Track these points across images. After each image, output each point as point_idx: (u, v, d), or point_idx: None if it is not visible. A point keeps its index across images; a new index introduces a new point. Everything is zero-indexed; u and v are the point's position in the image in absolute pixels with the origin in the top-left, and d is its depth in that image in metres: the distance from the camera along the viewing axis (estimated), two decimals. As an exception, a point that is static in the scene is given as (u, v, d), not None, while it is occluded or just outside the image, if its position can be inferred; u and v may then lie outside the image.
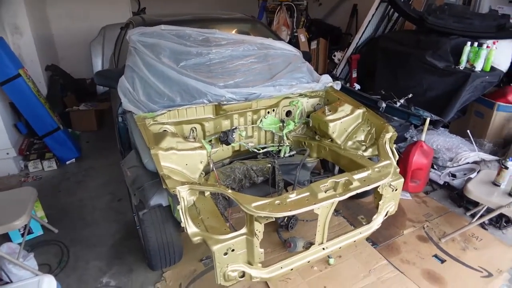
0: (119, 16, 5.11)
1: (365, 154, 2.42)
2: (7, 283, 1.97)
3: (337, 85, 3.02)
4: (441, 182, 3.22)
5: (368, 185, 1.77)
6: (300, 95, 2.77)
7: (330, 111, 2.58)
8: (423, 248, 2.45)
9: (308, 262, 1.89)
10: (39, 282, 1.47)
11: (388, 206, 2.14)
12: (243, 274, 1.73)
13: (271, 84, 2.68)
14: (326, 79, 2.93)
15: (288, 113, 2.80)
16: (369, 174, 1.86)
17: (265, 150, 2.70)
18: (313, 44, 5.67)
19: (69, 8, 5.45)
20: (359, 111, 2.54)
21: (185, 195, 1.68)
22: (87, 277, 2.23)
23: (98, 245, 2.45)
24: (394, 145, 3.45)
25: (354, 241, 2.04)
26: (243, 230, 1.66)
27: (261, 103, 2.61)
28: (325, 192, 1.70)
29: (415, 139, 3.18)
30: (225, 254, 1.63)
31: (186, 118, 2.42)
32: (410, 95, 3.41)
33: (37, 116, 3.39)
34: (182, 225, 1.66)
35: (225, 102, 2.45)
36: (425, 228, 2.64)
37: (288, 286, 2.09)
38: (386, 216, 2.18)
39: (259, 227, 1.61)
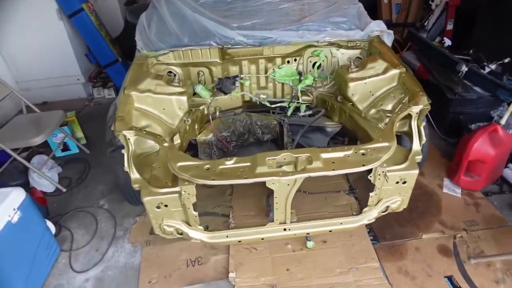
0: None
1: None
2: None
3: (388, 36, 2.34)
4: (517, 185, 2.32)
5: (334, 170, 1.35)
6: (332, 44, 2.25)
7: (357, 68, 2.03)
8: (439, 263, 1.85)
9: (262, 239, 1.67)
10: (8, 193, 1.70)
11: (389, 201, 1.66)
12: (179, 233, 1.64)
13: (295, 27, 2.23)
14: (374, 26, 2.29)
15: (319, 65, 2.34)
16: (346, 155, 1.42)
17: (278, 105, 2.37)
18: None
19: None
20: (394, 72, 1.92)
21: (132, 139, 1.61)
22: (91, 196, 2.53)
23: (111, 172, 2.71)
24: (473, 125, 2.66)
25: (330, 231, 1.69)
26: (178, 188, 1.52)
27: (277, 50, 2.22)
28: (272, 166, 1.38)
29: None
30: (158, 207, 1.55)
31: (191, 61, 2.26)
32: (507, 60, 2.42)
33: (99, 47, 3.72)
34: (125, 169, 1.62)
35: (230, 46, 2.17)
36: (456, 238, 1.97)
37: (249, 255, 1.91)
38: (386, 212, 1.71)
39: (188, 189, 1.44)
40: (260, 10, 2.35)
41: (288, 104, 2.32)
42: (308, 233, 1.69)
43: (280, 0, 2.39)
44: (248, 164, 1.40)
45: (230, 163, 1.41)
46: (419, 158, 1.65)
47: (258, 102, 2.36)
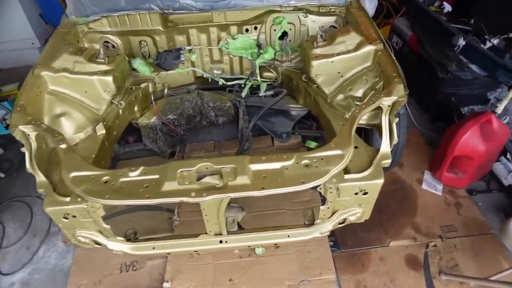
0: None
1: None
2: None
3: (370, 2, 1.92)
4: (506, 183, 2.02)
5: (263, 188, 1.05)
6: (300, 9, 1.84)
7: (324, 41, 1.65)
8: (404, 277, 1.61)
9: (196, 252, 1.42)
10: None
11: (347, 213, 1.38)
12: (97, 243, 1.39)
13: (255, -13, 1.81)
14: (353, -12, 1.85)
15: (284, 35, 1.94)
16: (284, 166, 1.11)
17: (235, 82, 2.02)
18: None
19: None
20: (369, 49, 1.55)
21: (32, 135, 1.30)
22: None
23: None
24: (466, 108, 2.31)
25: (275, 244, 1.44)
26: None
27: (230, 16, 1.83)
28: (190, 179, 1.08)
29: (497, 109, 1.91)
30: (65, 218, 1.28)
31: (130, 29, 1.87)
32: (513, 35, 2.01)
33: (51, 5, 3.26)
34: (28, 170, 1.32)
35: (172, 11, 1.77)
36: (429, 247, 1.72)
37: (189, 261, 1.67)
38: (343, 224, 1.45)
39: (91, 203, 1.15)
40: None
41: (244, 83, 1.96)
42: (249, 246, 1.44)
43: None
44: (156, 176, 1.09)
45: (134, 174, 1.11)
46: (387, 162, 1.34)
47: (210, 79, 2.01)
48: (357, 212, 1.39)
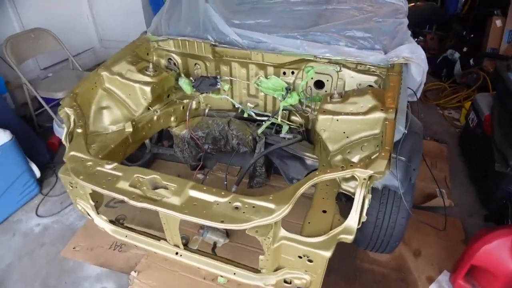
0: None
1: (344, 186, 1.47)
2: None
3: (417, 67, 1.81)
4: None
5: (186, 213, 1.12)
6: (337, 63, 1.85)
7: (339, 98, 1.63)
8: None
9: (155, 253, 1.55)
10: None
11: (292, 274, 1.32)
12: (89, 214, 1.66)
13: (298, 35, 1.92)
14: (403, 51, 1.77)
15: (319, 85, 1.98)
16: (216, 201, 1.15)
17: (264, 118, 2.13)
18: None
19: None
20: (379, 115, 1.47)
21: (72, 117, 1.67)
22: None
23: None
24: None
25: (221, 276, 1.46)
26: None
27: (267, 57, 1.96)
28: (142, 185, 1.24)
29: None
30: (71, 186, 1.59)
31: (187, 52, 2.19)
32: None
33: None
34: (63, 142, 1.69)
35: (218, 43, 2.01)
36: None
37: (162, 263, 1.77)
38: (290, 286, 1.37)
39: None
40: (271, 9, 2.08)
41: (266, 120, 2.05)
42: (198, 268, 1.50)
43: (301, 1, 2.07)
44: (120, 174, 1.29)
45: (108, 167, 1.32)
46: (347, 238, 1.24)
47: (239, 110, 2.16)
48: (303, 278, 1.30)
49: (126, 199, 1.18)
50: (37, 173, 2.36)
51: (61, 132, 2.80)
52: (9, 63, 2.72)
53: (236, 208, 1.13)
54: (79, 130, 1.56)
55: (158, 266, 1.84)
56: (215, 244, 1.87)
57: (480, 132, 2.38)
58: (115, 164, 1.34)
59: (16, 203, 2.25)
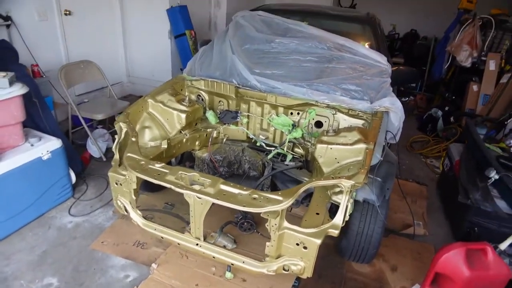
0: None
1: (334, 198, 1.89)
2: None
3: (395, 115, 2.30)
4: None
5: (218, 199, 1.54)
6: (333, 108, 2.36)
7: (333, 132, 2.11)
8: None
9: (179, 244, 1.89)
10: (50, 139, 2.46)
11: (290, 261, 1.68)
12: (126, 210, 2.03)
13: (305, 85, 2.45)
14: (385, 102, 2.29)
15: (319, 124, 2.48)
16: (240, 193, 1.57)
17: (273, 149, 2.58)
18: (505, 78, 3.91)
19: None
20: (361, 146, 1.93)
21: (124, 130, 2.12)
22: None
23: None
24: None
25: (232, 264, 1.80)
26: (125, 171, 1.93)
27: (280, 99, 2.47)
28: (184, 180, 1.66)
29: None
30: (117, 184, 1.99)
31: (215, 91, 2.72)
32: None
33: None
34: (113, 150, 2.12)
35: (241, 86, 2.53)
36: None
37: (179, 260, 2.09)
38: (288, 272, 1.72)
39: (129, 174, 1.84)
40: (285, 63, 2.63)
41: (274, 149, 2.51)
42: (213, 257, 1.85)
43: (308, 59, 2.64)
44: (167, 171, 1.71)
45: (157, 166, 1.75)
46: (334, 232, 1.64)
47: (252, 140, 2.63)
48: (298, 264, 1.67)
49: (173, 187, 1.59)
50: (74, 179, 2.75)
51: (94, 149, 3.30)
52: (60, 86, 3.25)
53: (254, 198, 1.54)
54: (134, 139, 2.00)
55: (175, 262, 2.16)
56: (224, 247, 2.22)
57: (451, 174, 2.85)
58: (163, 164, 1.77)
59: (52, 202, 2.61)
